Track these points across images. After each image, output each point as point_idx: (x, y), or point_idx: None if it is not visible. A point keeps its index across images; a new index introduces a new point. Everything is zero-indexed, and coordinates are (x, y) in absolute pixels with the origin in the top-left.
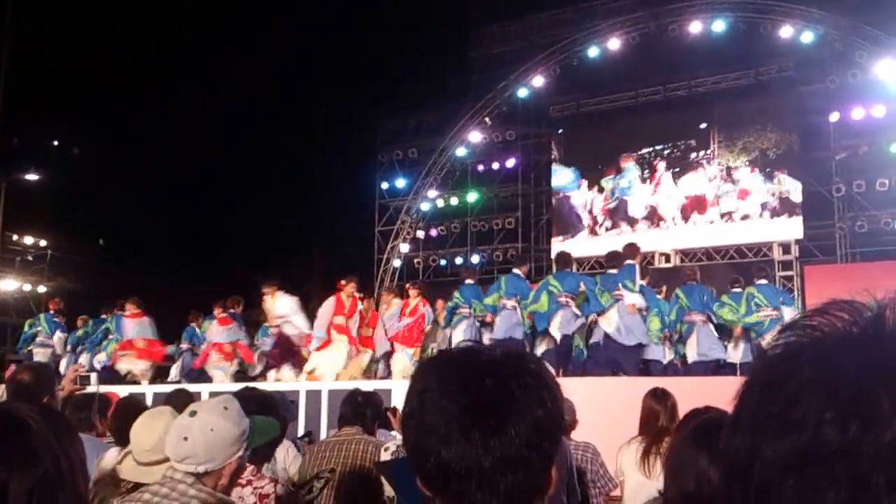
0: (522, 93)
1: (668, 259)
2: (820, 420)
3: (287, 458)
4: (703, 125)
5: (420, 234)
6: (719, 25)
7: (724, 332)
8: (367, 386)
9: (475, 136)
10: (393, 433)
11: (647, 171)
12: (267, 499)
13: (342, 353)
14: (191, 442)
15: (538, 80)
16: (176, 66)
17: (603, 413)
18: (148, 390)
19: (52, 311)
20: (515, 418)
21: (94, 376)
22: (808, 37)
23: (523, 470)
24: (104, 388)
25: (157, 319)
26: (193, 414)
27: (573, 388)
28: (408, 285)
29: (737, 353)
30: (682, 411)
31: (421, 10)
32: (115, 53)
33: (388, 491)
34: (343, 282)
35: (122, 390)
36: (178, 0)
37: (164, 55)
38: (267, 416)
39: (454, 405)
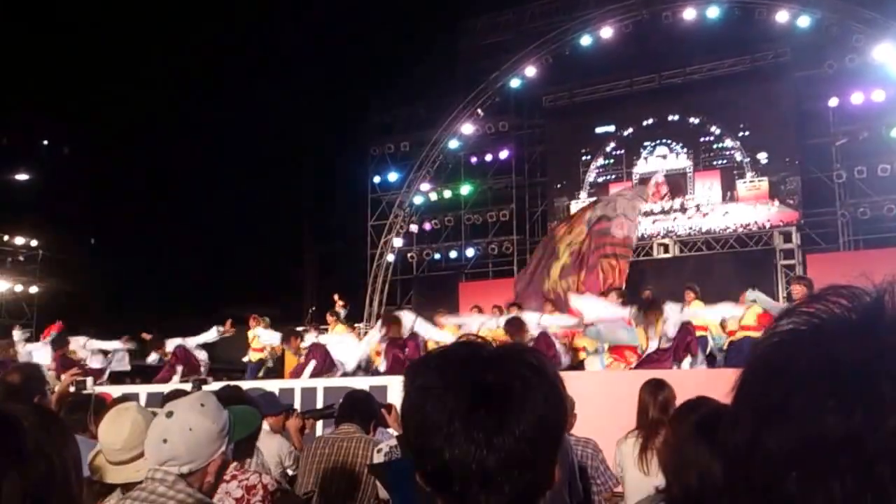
0: (515, 83)
1: (666, 249)
2: (822, 409)
3: (282, 453)
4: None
5: (413, 227)
6: (714, 11)
7: None
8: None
9: (467, 128)
10: (389, 431)
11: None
12: (254, 489)
13: None
14: (171, 444)
15: (530, 70)
16: (165, 66)
17: (602, 407)
18: (142, 390)
19: None
20: (519, 415)
21: (89, 380)
22: (804, 21)
23: (527, 467)
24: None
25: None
26: (170, 415)
27: (571, 383)
28: None
29: None
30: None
31: (411, 3)
32: (106, 54)
33: (384, 490)
34: None
35: (115, 391)
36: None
37: (153, 56)
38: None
39: (456, 402)
